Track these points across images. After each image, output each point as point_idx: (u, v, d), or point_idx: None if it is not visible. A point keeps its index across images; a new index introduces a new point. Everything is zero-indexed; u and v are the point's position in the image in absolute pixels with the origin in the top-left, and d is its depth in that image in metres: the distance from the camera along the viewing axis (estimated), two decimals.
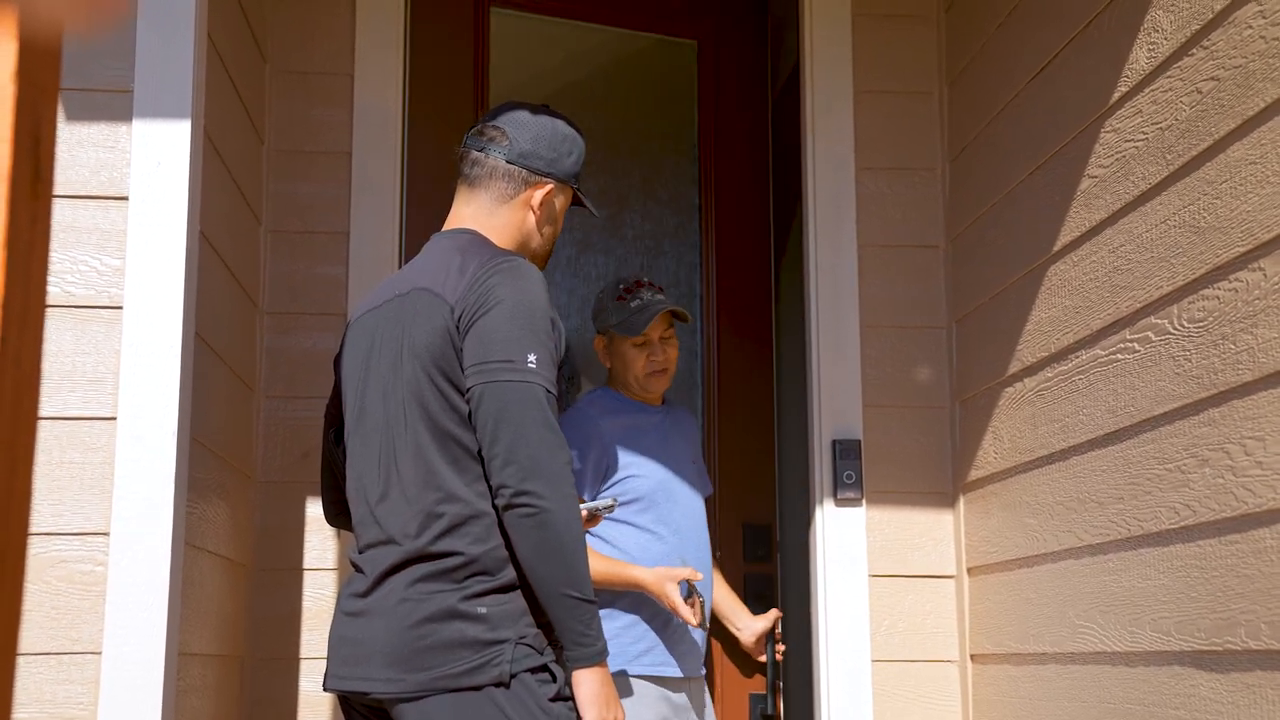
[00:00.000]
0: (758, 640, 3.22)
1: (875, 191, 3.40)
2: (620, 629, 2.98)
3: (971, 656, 3.14)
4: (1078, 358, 2.57)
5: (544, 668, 2.13)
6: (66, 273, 2.30)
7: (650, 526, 3.04)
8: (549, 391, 2.16)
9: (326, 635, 2.70)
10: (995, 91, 3.03)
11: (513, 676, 2.09)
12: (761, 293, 3.80)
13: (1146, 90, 2.32)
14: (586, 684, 2.14)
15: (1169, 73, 2.24)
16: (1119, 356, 2.40)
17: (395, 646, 2.12)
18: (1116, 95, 2.43)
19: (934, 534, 3.27)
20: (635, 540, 3.03)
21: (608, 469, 3.04)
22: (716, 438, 3.70)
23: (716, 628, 3.40)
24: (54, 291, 2.29)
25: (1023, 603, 2.82)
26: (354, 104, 3.30)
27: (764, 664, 3.32)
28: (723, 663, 3.61)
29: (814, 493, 3.30)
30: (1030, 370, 2.80)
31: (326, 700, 3.06)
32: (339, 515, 2.54)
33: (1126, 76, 2.40)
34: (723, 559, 3.54)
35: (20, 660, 2.17)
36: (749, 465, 3.72)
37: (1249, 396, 1.96)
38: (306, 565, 3.12)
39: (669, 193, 4.06)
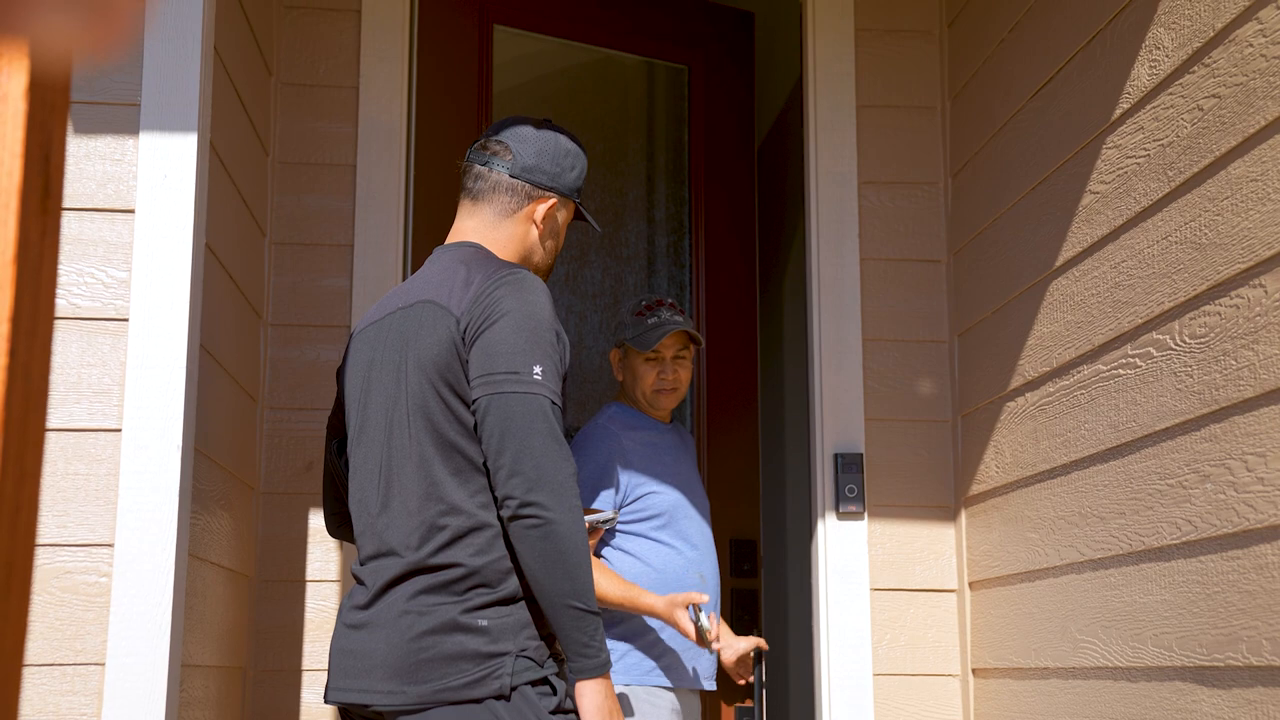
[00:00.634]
0: (739, 660, 3.20)
1: (878, 206, 3.41)
2: (640, 640, 2.99)
3: (973, 671, 3.14)
4: (1079, 373, 2.58)
5: (544, 680, 2.13)
6: (73, 285, 2.31)
7: (670, 541, 3.06)
8: (554, 403, 2.17)
9: (328, 647, 2.70)
10: (997, 107, 3.04)
11: (513, 689, 2.09)
12: (747, 311, 3.83)
13: (1148, 107, 2.33)
14: (589, 695, 2.15)
15: (1170, 90, 2.25)
16: (1121, 372, 2.41)
17: (396, 659, 2.12)
18: (1118, 112, 2.44)
19: (936, 548, 3.27)
20: (658, 554, 3.04)
21: (630, 484, 3.05)
22: (705, 453, 3.72)
23: None
24: (60, 304, 2.30)
25: (1024, 617, 2.83)
26: (359, 117, 3.31)
27: (739, 684, 3.30)
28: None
29: (816, 506, 3.31)
30: (1032, 385, 2.80)
31: (328, 712, 3.06)
32: (341, 527, 2.55)
33: (1128, 93, 2.41)
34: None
35: (24, 671, 2.17)
36: (736, 481, 3.74)
37: (1250, 412, 1.97)
38: (309, 577, 3.13)
39: (662, 212, 4.11)
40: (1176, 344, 2.21)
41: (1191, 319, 2.16)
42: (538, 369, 2.16)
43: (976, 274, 3.16)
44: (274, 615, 3.10)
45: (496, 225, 2.42)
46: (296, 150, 3.28)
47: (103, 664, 2.23)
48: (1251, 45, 2.00)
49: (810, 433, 3.39)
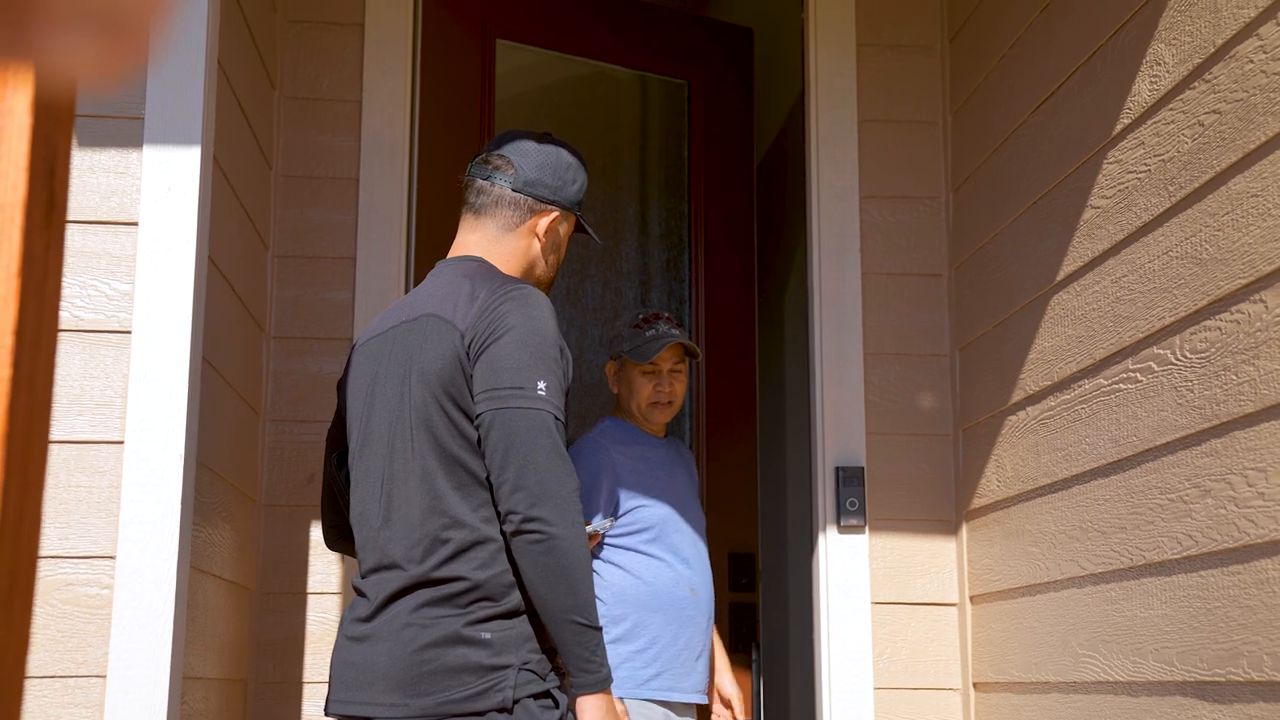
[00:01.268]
0: (722, 700, 3.20)
1: (879, 220, 3.41)
2: (633, 652, 2.99)
3: (974, 685, 3.14)
4: (1080, 387, 2.58)
5: (547, 694, 2.13)
6: (76, 297, 2.32)
7: (660, 555, 3.06)
8: (558, 419, 2.18)
9: (329, 659, 2.70)
10: (999, 122, 3.05)
11: (516, 702, 2.09)
12: (746, 325, 3.84)
13: (1149, 122, 2.34)
14: (590, 710, 2.15)
15: (1171, 105, 2.26)
16: (1121, 386, 2.41)
17: (399, 671, 2.13)
18: (1119, 127, 2.45)
19: (937, 561, 3.27)
20: (647, 567, 3.05)
21: (620, 499, 3.06)
22: (704, 468, 3.73)
23: None
24: (63, 316, 2.31)
25: (1025, 631, 2.82)
26: (362, 131, 3.32)
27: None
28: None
29: (817, 519, 3.31)
30: (1033, 399, 2.81)
31: None
32: (340, 540, 2.55)
33: (1129, 109, 2.41)
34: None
35: (26, 684, 2.17)
36: (735, 495, 3.75)
37: (1251, 427, 1.97)
38: (310, 589, 3.13)
39: (662, 227, 4.12)
40: (1177, 359, 2.21)
41: (1192, 334, 2.16)
42: (542, 384, 2.17)
43: (978, 288, 3.17)
44: (275, 627, 3.10)
45: (499, 239, 2.43)
46: (299, 164, 3.29)
47: (104, 676, 2.23)
48: (1252, 61, 2.01)
49: (811, 446, 3.39)
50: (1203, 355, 2.12)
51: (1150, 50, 2.34)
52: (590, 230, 2.58)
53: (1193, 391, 2.15)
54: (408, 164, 3.33)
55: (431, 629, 2.13)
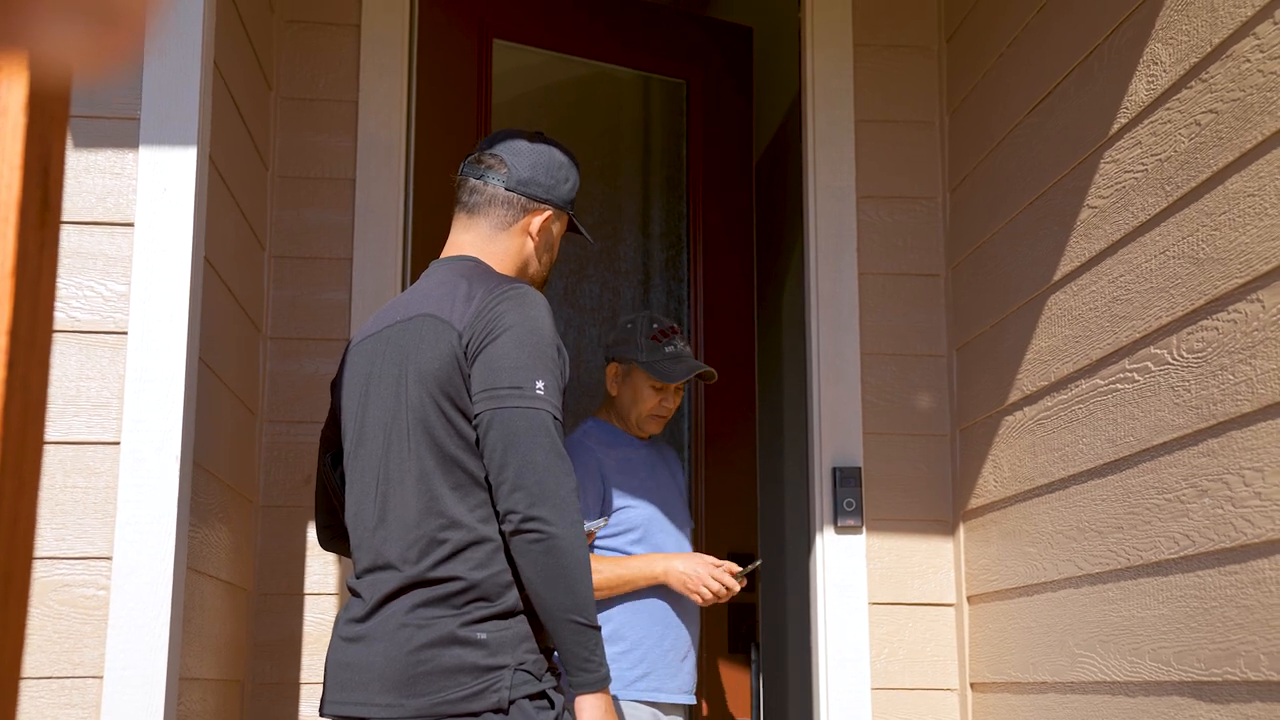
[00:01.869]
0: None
1: (876, 220, 3.41)
2: (618, 654, 2.99)
3: (971, 685, 3.14)
4: (1077, 387, 2.58)
5: (542, 694, 2.13)
6: (72, 298, 2.32)
7: (646, 555, 3.07)
8: (556, 418, 2.18)
9: None
10: (995, 122, 3.05)
11: (511, 702, 2.09)
12: (745, 325, 3.83)
13: (1145, 122, 2.34)
14: (589, 709, 2.15)
15: (1168, 105, 2.26)
16: (1118, 386, 2.41)
17: (394, 672, 2.12)
18: (1116, 127, 2.45)
19: (934, 562, 3.27)
20: None
21: (606, 500, 3.08)
22: (704, 469, 3.73)
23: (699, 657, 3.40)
24: (59, 317, 2.30)
25: (1022, 631, 2.82)
26: (358, 131, 3.32)
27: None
28: (705, 691, 3.61)
29: (814, 520, 3.31)
30: (1030, 399, 2.81)
31: None
32: (334, 540, 2.55)
33: (1126, 108, 2.41)
34: None
35: (22, 684, 2.17)
36: (734, 496, 3.74)
37: (1248, 427, 1.97)
38: (308, 590, 3.13)
39: (660, 227, 4.12)
40: (1174, 359, 2.21)
41: (1189, 334, 2.16)
42: (540, 384, 2.17)
43: (975, 288, 3.17)
44: (272, 628, 3.10)
45: (492, 238, 2.43)
46: (296, 164, 3.29)
47: (101, 677, 2.22)
48: (1249, 61, 2.01)
49: (808, 447, 3.39)
50: (1199, 355, 2.12)
51: (1147, 50, 2.34)
52: (583, 229, 2.58)
53: (1190, 391, 2.15)
54: (404, 164, 3.33)
55: (427, 629, 2.13)
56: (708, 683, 3.56)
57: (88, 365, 2.31)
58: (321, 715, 2.26)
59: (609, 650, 2.99)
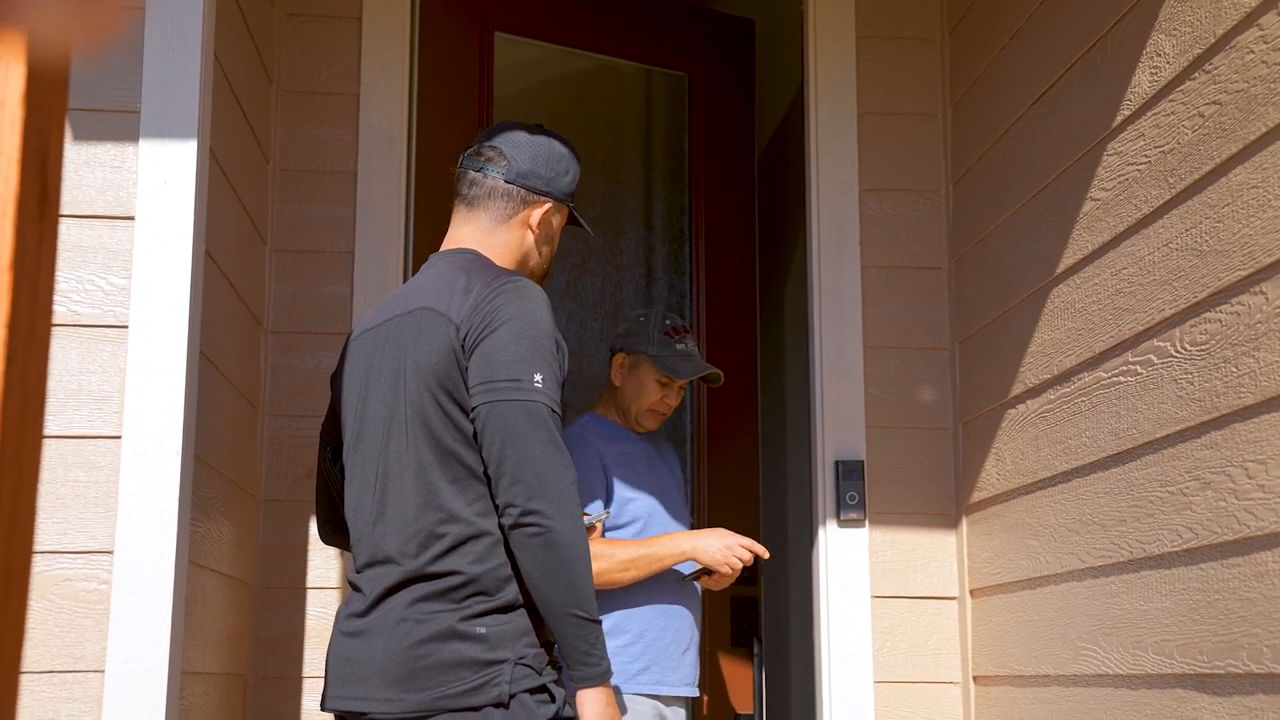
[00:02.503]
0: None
1: (879, 213, 3.41)
2: (619, 647, 2.99)
3: (974, 678, 3.14)
4: (1080, 380, 2.58)
5: (543, 688, 2.13)
6: (73, 292, 2.31)
7: None
8: (554, 411, 2.17)
9: None
10: (998, 114, 3.04)
11: (511, 697, 2.09)
12: (748, 319, 3.83)
13: (1149, 114, 2.33)
14: (590, 703, 2.14)
15: (1171, 97, 2.25)
16: (1121, 379, 2.41)
17: (394, 666, 2.12)
18: (1119, 119, 2.44)
19: (937, 555, 3.27)
20: None
21: (607, 493, 3.08)
22: (706, 462, 3.72)
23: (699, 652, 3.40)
24: (60, 310, 2.30)
25: (1025, 624, 2.82)
26: (360, 124, 3.31)
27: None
28: (708, 684, 3.61)
29: (817, 513, 3.31)
30: (1033, 392, 2.80)
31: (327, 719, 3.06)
32: (334, 534, 2.55)
33: (1129, 100, 2.41)
34: None
35: (23, 678, 2.17)
36: (736, 489, 3.74)
37: (1251, 420, 1.97)
38: (309, 584, 3.13)
39: (662, 220, 4.12)
40: (1177, 351, 2.20)
41: (1192, 326, 2.16)
42: (538, 377, 2.16)
43: (978, 281, 3.16)
44: (274, 622, 3.10)
45: (492, 231, 2.42)
46: (297, 157, 3.28)
47: (102, 671, 2.22)
48: (1253, 52, 2.00)
49: (811, 440, 3.39)
50: (1203, 347, 2.12)
51: (1150, 41, 2.33)
52: (583, 222, 2.57)
53: (1193, 384, 2.15)
54: (406, 158, 3.33)
55: (427, 624, 2.13)
56: (710, 676, 3.56)
57: (88, 359, 2.30)
58: (323, 709, 2.26)
59: (610, 643, 2.98)
